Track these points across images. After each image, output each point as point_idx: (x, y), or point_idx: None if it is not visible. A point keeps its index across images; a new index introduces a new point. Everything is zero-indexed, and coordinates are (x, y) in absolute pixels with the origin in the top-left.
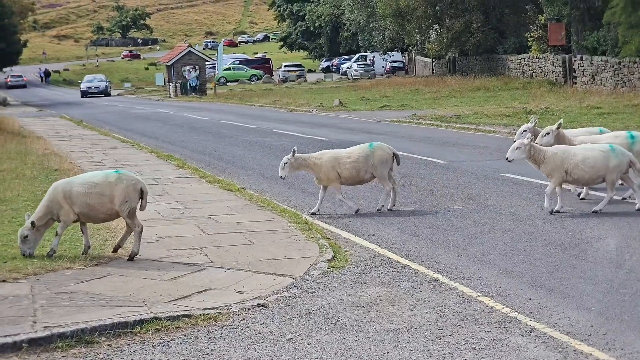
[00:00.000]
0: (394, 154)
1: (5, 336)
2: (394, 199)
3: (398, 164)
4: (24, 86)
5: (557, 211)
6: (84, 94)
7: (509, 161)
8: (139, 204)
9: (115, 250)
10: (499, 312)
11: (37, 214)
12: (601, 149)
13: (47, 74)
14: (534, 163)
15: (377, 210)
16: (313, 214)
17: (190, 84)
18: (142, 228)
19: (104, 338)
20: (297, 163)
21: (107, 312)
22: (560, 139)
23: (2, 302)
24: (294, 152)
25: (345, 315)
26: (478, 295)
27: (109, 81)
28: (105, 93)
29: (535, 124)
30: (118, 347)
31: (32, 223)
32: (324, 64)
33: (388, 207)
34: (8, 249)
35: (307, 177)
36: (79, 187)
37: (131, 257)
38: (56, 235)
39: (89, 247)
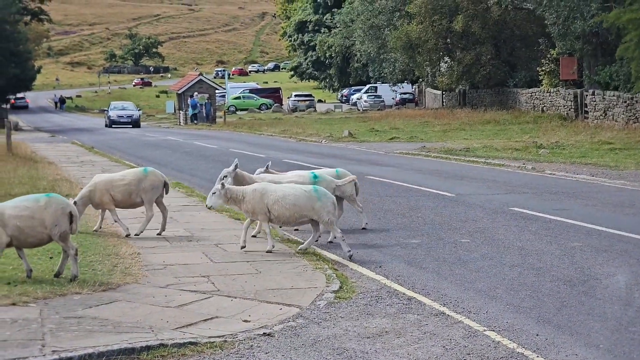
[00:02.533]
0: (165, 182)
1: (14, 359)
2: (164, 224)
3: (167, 192)
4: (26, 107)
5: (269, 251)
6: (113, 123)
7: (209, 208)
8: (70, 228)
9: (56, 275)
10: (506, 347)
11: None
12: (305, 190)
13: (62, 100)
14: (235, 204)
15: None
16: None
17: (192, 111)
18: (77, 251)
19: None
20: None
21: (114, 337)
22: (239, 180)
23: (12, 326)
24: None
25: (351, 346)
26: (484, 330)
27: (140, 109)
28: (137, 124)
29: (236, 167)
30: None
31: None
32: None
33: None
34: (18, 272)
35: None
36: (11, 209)
37: (73, 280)
38: None
39: (31, 271)
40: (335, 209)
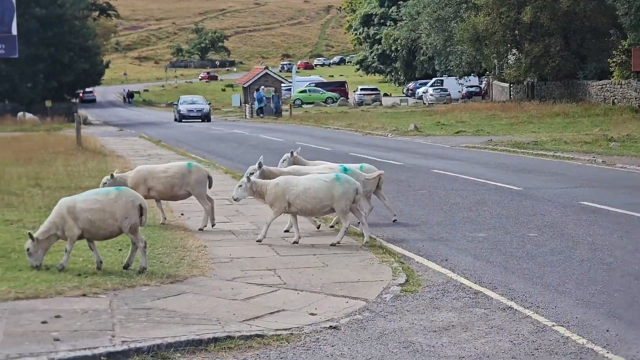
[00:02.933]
0: (208, 176)
1: (85, 349)
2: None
3: (210, 187)
4: (94, 101)
5: (296, 242)
6: (183, 117)
7: (235, 200)
8: (140, 220)
9: (125, 267)
10: (575, 342)
11: (41, 229)
12: (326, 179)
13: (130, 95)
14: (259, 197)
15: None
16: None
17: (258, 104)
18: (146, 243)
19: (178, 354)
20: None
21: (182, 329)
22: (267, 175)
23: (82, 316)
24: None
25: (417, 339)
26: (553, 325)
27: (209, 103)
28: (207, 118)
29: (260, 165)
30: None
31: (30, 235)
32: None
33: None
34: (88, 264)
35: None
36: (82, 203)
37: (141, 272)
38: (65, 251)
39: (101, 263)
40: (359, 194)
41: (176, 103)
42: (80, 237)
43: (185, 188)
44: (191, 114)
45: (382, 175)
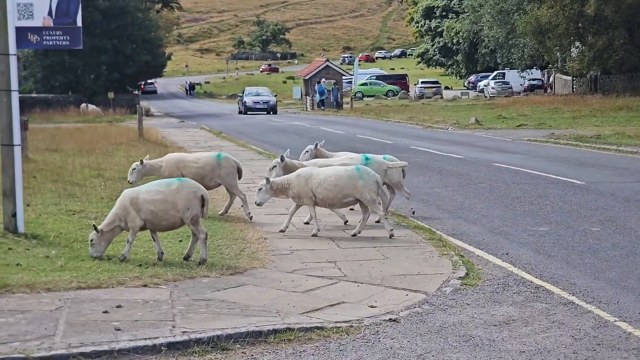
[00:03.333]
0: (238, 167)
1: (146, 339)
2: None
3: (240, 177)
4: (155, 92)
5: (315, 235)
6: (248, 110)
7: (258, 205)
8: (201, 211)
9: (186, 258)
10: (637, 338)
11: (106, 221)
12: (347, 169)
13: (192, 87)
14: (282, 194)
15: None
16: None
17: (319, 97)
18: (207, 235)
19: (238, 345)
20: (146, 170)
21: (242, 320)
22: (289, 169)
23: (143, 306)
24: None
25: (477, 333)
26: (615, 320)
27: (275, 95)
28: (273, 110)
29: (282, 159)
30: (252, 355)
31: (95, 227)
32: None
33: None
34: (149, 255)
35: (442, 194)
36: (145, 194)
37: (201, 263)
38: (127, 242)
39: (162, 254)
40: (379, 187)
41: (240, 95)
42: (142, 228)
43: (216, 180)
44: (257, 106)
45: (405, 167)
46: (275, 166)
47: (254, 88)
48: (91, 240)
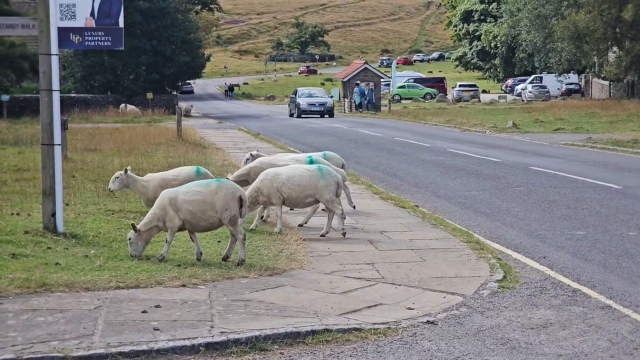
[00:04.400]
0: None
1: (184, 339)
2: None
3: None
4: (191, 92)
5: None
6: (303, 112)
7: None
8: (240, 212)
9: (224, 259)
10: None
11: (144, 220)
12: (309, 169)
13: (231, 88)
14: (257, 205)
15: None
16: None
17: (358, 99)
18: (245, 235)
19: (276, 346)
20: (128, 181)
21: (280, 321)
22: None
23: (182, 306)
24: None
25: (515, 336)
26: None
27: (331, 96)
28: (330, 113)
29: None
30: (290, 356)
31: (134, 227)
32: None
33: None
34: (187, 255)
35: (479, 197)
36: (184, 194)
37: (240, 264)
38: (166, 242)
39: (201, 254)
40: (339, 188)
41: (293, 96)
42: (180, 229)
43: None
44: (312, 109)
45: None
46: (248, 159)
47: (307, 89)
48: (129, 240)
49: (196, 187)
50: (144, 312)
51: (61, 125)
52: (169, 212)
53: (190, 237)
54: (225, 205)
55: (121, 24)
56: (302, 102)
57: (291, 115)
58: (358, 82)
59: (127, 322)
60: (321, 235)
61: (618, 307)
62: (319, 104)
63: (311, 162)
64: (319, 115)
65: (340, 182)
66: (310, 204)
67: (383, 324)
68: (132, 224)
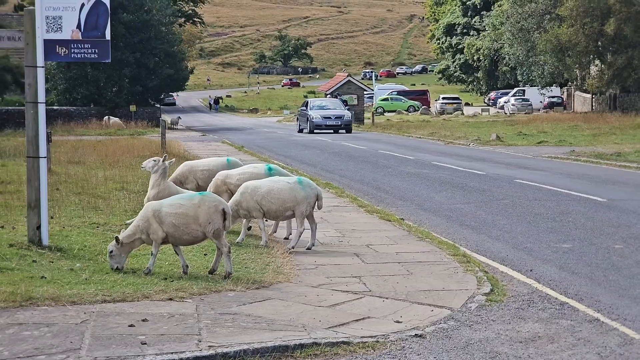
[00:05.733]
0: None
1: (172, 353)
2: None
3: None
4: (173, 104)
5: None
6: (316, 127)
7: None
8: (223, 225)
9: (211, 272)
10: None
11: (127, 232)
12: (288, 181)
13: (216, 101)
14: (238, 217)
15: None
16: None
17: None
18: (230, 248)
19: None
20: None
21: (268, 334)
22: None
23: (169, 320)
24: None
25: (503, 350)
26: None
27: (348, 107)
28: (348, 128)
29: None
30: None
31: (117, 239)
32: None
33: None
34: (174, 268)
35: (465, 210)
36: (167, 207)
37: (226, 277)
38: (152, 254)
39: (187, 267)
40: (319, 200)
41: (303, 108)
42: (164, 242)
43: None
44: (328, 123)
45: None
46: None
47: (318, 100)
48: (111, 252)
49: (179, 200)
50: (131, 326)
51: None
52: (153, 224)
53: (175, 251)
54: (208, 218)
55: (108, 37)
56: (315, 115)
57: (300, 130)
58: (338, 93)
59: (114, 336)
60: (307, 249)
61: (606, 320)
62: (335, 117)
63: (270, 169)
64: (332, 131)
65: (320, 194)
66: (291, 217)
67: (371, 337)
68: (116, 237)
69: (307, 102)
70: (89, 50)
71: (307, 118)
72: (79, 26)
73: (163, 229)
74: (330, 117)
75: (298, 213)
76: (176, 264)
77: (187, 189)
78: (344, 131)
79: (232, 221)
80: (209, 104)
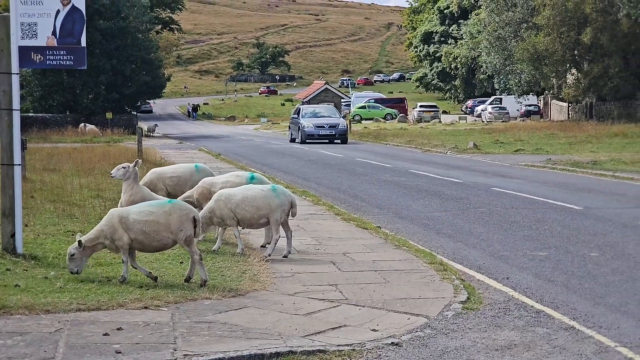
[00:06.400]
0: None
1: None
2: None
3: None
4: (150, 111)
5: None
6: (309, 137)
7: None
8: (194, 232)
9: (187, 280)
10: None
11: (89, 236)
12: (262, 189)
13: (194, 109)
14: (210, 225)
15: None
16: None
17: None
18: (201, 256)
19: None
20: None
21: (244, 343)
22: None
23: (144, 329)
24: None
25: (479, 358)
26: (616, 346)
27: (343, 115)
28: (343, 138)
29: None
30: None
31: (79, 242)
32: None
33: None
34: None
35: (442, 218)
36: (136, 214)
37: (202, 285)
38: (123, 262)
39: (151, 273)
40: (294, 207)
41: (294, 116)
42: (130, 248)
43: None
44: (321, 132)
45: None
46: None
47: (311, 106)
48: (72, 255)
49: (149, 208)
50: (105, 334)
51: (20, 145)
52: (118, 230)
53: (122, 259)
54: (180, 226)
55: (83, 43)
56: (307, 123)
57: (292, 140)
58: (304, 102)
59: (89, 344)
60: (283, 256)
61: (582, 328)
62: (329, 126)
63: (252, 178)
64: (327, 141)
65: (294, 202)
66: (265, 225)
67: (347, 345)
68: (79, 239)
69: (300, 109)
70: (65, 57)
71: (299, 127)
72: (54, 33)
73: (130, 236)
74: (323, 126)
75: (273, 220)
76: (153, 272)
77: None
78: (339, 141)
79: (205, 229)
80: (188, 111)
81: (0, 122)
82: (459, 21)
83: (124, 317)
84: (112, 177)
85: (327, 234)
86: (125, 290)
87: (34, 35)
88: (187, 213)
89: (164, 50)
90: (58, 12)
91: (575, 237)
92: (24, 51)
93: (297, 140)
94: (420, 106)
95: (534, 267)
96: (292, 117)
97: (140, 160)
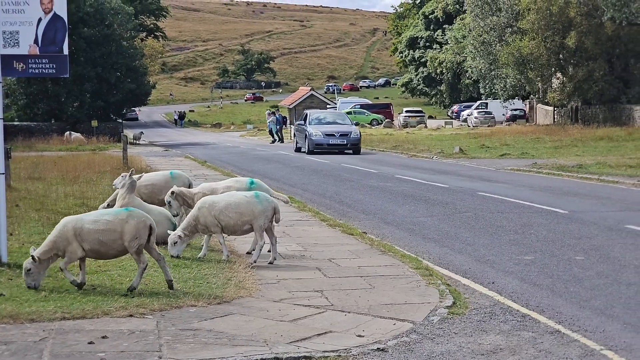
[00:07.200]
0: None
1: None
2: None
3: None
4: (136, 119)
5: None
6: (317, 147)
7: (176, 257)
8: (148, 240)
9: (130, 290)
10: None
11: (42, 249)
12: (245, 195)
13: (181, 116)
14: (196, 233)
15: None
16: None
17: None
18: (147, 265)
19: None
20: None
21: (229, 350)
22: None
23: (129, 337)
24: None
25: None
26: (602, 349)
27: (356, 123)
28: (356, 148)
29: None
30: None
31: (33, 257)
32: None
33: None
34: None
35: (427, 223)
36: (92, 224)
37: (130, 290)
38: (60, 269)
39: (84, 284)
40: (277, 213)
41: (301, 123)
42: (82, 258)
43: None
44: (331, 141)
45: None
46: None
47: (319, 112)
48: (29, 270)
49: (105, 217)
50: (90, 343)
51: (4, 154)
52: (72, 243)
53: (80, 265)
54: (136, 234)
55: (66, 51)
56: (315, 131)
57: (298, 150)
58: (273, 112)
59: (74, 353)
60: (269, 263)
61: (567, 331)
62: (340, 135)
63: (252, 183)
64: (337, 151)
65: (277, 208)
66: (249, 231)
67: (333, 351)
68: (32, 255)
69: (307, 114)
70: (47, 66)
71: (306, 135)
72: (36, 41)
73: (84, 248)
74: (333, 135)
75: (256, 227)
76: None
77: None
78: (350, 152)
79: (190, 237)
80: (175, 119)
81: None
82: (444, 26)
83: (109, 325)
84: (113, 186)
85: (312, 240)
86: (110, 298)
87: (15, 44)
88: (144, 221)
89: (149, 58)
90: (40, 20)
91: (560, 240)
92: (6, 60)
93: (303, 149)
94: (406, 111)
95: (520, 271)
96: (298, 124)
97: (133, 170)
